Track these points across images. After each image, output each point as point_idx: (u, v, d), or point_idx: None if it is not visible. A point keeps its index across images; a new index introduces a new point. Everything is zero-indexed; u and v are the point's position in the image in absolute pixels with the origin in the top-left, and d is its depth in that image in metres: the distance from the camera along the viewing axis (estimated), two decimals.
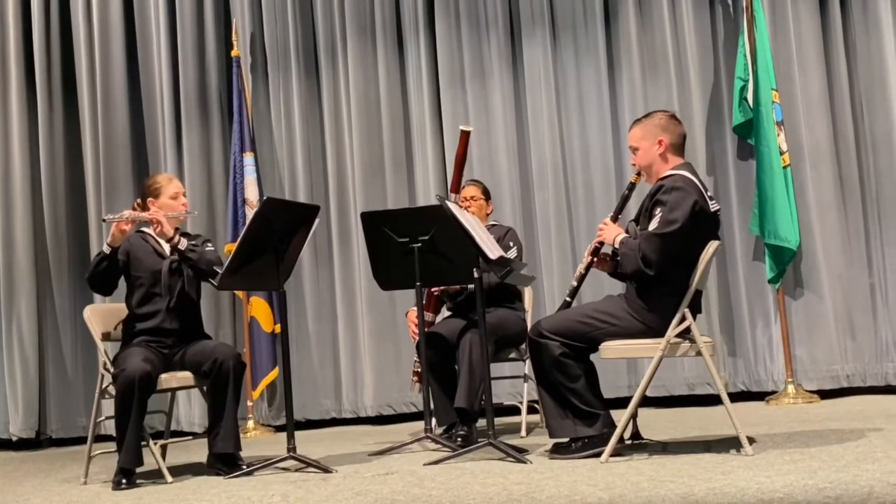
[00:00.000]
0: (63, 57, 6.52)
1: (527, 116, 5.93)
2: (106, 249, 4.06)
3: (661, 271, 3.45)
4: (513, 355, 4.67)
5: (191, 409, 6.12)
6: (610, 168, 5.77)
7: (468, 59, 6.02)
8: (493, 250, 3.71)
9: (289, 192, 6.23)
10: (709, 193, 3.60)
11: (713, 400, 5.07)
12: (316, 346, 6.15)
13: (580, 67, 5.88)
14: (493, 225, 4.79)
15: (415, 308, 4.40)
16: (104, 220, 4.06)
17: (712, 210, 3.57)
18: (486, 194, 4.79)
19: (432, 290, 4.58)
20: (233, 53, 6.14)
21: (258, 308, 5.99)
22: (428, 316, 4.56)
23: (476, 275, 3.81)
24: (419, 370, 4.45)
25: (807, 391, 5.22)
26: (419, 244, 4.16)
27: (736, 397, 5.31)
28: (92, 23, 6.44)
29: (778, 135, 5.21)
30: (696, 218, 3.46)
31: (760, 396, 5.34)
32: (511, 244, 4.60)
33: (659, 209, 3.49)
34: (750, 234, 5.45)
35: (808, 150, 5.41)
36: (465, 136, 4.38)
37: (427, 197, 5.87)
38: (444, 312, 4.84)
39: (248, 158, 6.04)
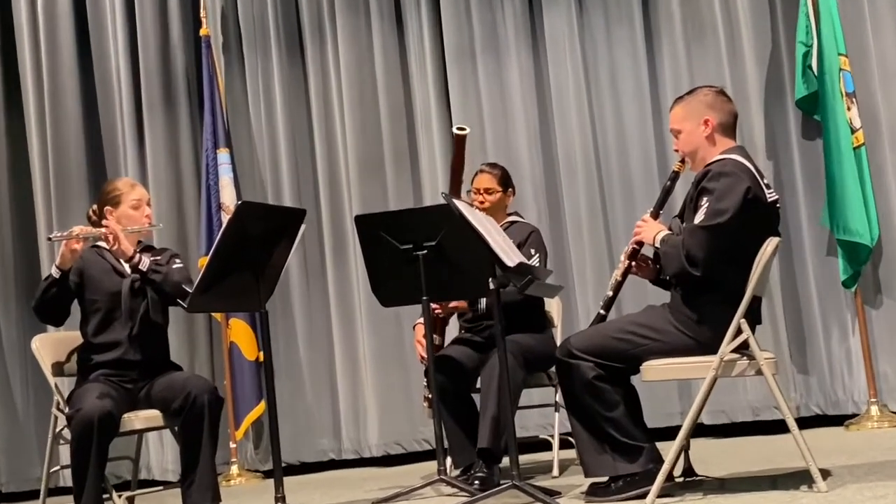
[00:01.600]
0: (2, 44, 6.56)
1: (550, 97, 5.93)
2: (55, 273, 4.07)
3: (710, 273, 3.44)
4: (543, 380, 4.67)
5: (163, 453, 6.15)
6: (651, 155, 5.76)
7: (479, 30, 6.02)
8: (511, 256, 3.70)
9: (272, 194, 6.25)
10: (765, 181, 3.59)
11: (783, 427, 5.03)
12: (309, 375, 6.17)
13: (612, 37, 5.87)
14: (514, 222, 4.76)
15: (422, 321, 4.40)
16: (49, 239, 4.08)
17: (769, 199, 3.55)
18: (505, 182, 4.75)
19: (435, 311, 4.56)
20: (201, 32, 6.18)
21: (239, 332, 6.01)
22: (436, 340, 4.54)
23: (492, 285, 3.80)
24: (430, 396, 4.45)
25: (893, 413, 5.19)
26: (424, 251, 4.15)
27: (810, 422, 5.30)
28: (35, 2, 6.48)
29: (848, 109, 5.18)
30: (750, 208, 3.45)
31: (839, 420, 5.31)
32: (533, 251, 4.58)
33: (705, 198, 3.48)
34: (821, 227, 5.42)
35: (885, 127, 5.38)
36: (461, 140, 4.35)
37: (436, 196, 5.87)
38: (455, 329, 4.84)
39: (223, 155, 6.07)
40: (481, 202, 4.65)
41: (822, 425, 5.33)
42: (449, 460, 4.46)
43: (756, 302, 3.56)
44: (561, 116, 5.89)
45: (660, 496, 3.44)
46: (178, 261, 4.34)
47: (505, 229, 4.65)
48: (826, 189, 5.26)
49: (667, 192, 3.81)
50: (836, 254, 5.34)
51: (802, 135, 5.58)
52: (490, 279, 3.80)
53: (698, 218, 3.49)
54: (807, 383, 5.47)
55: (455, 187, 4.46)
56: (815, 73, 5.29)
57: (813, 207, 5.49)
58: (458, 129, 4.41)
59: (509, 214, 4.81)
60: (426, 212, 4.40)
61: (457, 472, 4.44)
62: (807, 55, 5.35)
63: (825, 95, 5.21)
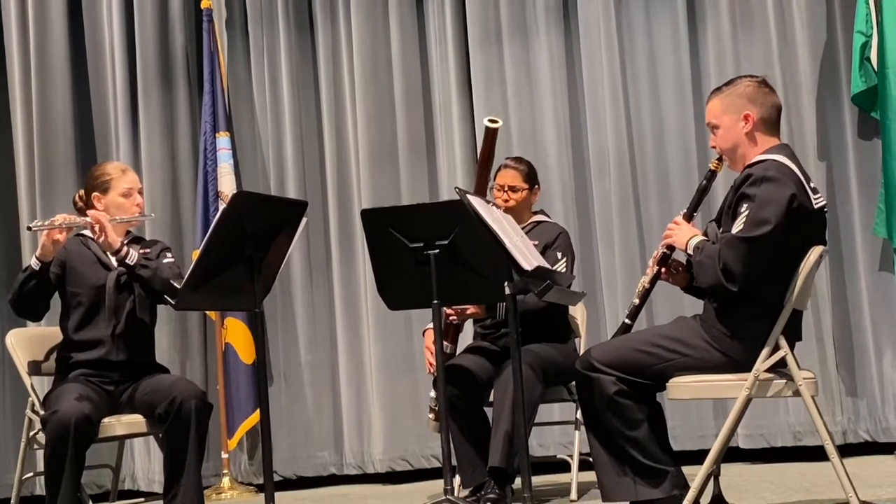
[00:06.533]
0: None
1: (582, 86, 5.94)
2: (34, 264, 4.10)
3: (748, 286, 3.44)
4: (563, 395, 4.68)
5: (150, 462, 6.18)
6: (691, 152, 5.76)
7: (506, 12, 6.03)
8: (528, 258, 3.71)
9: (275, 183, 6.29)
10: (812, 184, 3.59)
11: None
12: (310, 381, 6.19)
13: (651, 21, 5.87)
14: (540, 222, 4.78)
15: (432, 327, 4.42)
16: (30, 229, 4.10)
17: (816, 206, 3.55)
18: (531, 179, 4.77)
19: (450, 317, 4.58)
20: (203, 5, 6.22)
21: (235, 332, 6.03)
22: (447, 347, 4.56)
23: (508, 290, 3.81)
24: (437, 407, 4.47)
25: None
26: (436, 251, 4.16)
27: (857, 449, 5.30)
28: None
29: None
30: (794, 217, 3.46)
31: (889, 448, 5.30)
32: (560, 255, 4.59)
33: (745, 205, 3.49)
34: (875, 236, 5.41)
35: None
36: (492, 133, 4.35)
37: (453, 191, 5.87)
38: (468, 336, 4.85)
39: (223, 140, 6.10)
40: (506, 200, 4.67)
41: (870, 453, 5.31)
42: (457, 479, 4.47)
43: (797, 317, 3.57)
44: (593, 107, 5.89)
45: None
46: (168, 255, 4.37)
47: (531, 229, 4.68)
48: (883, 195, 5.25)
49: (702, 193, 3.81)
50: (890, 267, 5.32)
51: (858, 134, 5.56)
52: (506, 283, 3.82)
53: (737, 227, 3.49)
54: (855, 407, 5.46)
55: (481, 185, 4.48)
56: (875, 67, 5.28)
57: (868, 214, 5.47)
58: (490, 121, 4.40)
59: (535, 213, 4.83)
60: (439, 208, 4.43)
61: (466, 493, 4.46)
62: (865, 46, 5.34)
63: (885, 91, 5.20)
